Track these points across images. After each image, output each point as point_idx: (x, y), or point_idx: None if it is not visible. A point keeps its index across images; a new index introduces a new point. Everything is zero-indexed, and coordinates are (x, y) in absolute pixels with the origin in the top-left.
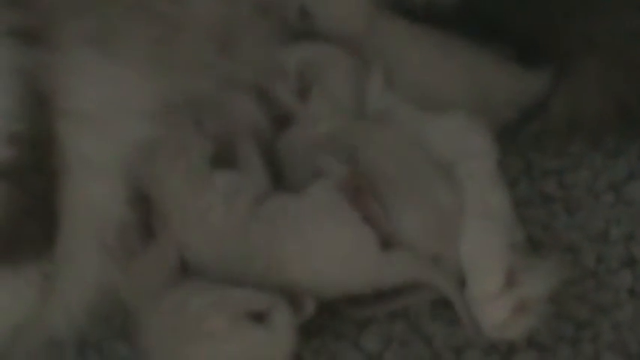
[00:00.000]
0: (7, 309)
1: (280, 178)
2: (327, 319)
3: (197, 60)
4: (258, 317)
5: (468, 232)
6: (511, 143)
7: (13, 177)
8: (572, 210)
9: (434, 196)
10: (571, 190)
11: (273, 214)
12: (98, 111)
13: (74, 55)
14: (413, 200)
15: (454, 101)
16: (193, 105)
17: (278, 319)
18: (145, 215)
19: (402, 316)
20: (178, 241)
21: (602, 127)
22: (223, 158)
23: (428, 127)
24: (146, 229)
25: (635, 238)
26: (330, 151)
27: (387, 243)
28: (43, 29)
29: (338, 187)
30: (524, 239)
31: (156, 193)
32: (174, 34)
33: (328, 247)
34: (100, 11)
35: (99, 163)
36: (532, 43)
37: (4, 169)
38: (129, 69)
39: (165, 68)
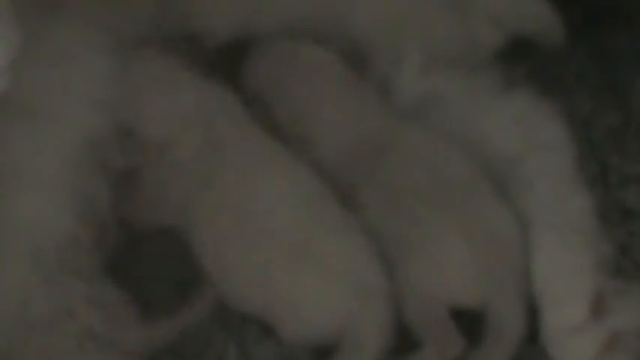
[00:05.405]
0: None
1: None
2: None
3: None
4: None
5: (541, 247)
6: (583, 139)
7: None
8: None
9: (483, 219)
10: None
11: None
12: (35, 101)
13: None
14: (453, 225)
15: None
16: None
17: None
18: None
19: None
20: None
21: None
22: None
23: (483, 111)
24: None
25: None
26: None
27: None
28: None
29: None
30: (612, 256)
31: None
32: None
33: None
34: None
35: (37, 168)
36: None
37: None
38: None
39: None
